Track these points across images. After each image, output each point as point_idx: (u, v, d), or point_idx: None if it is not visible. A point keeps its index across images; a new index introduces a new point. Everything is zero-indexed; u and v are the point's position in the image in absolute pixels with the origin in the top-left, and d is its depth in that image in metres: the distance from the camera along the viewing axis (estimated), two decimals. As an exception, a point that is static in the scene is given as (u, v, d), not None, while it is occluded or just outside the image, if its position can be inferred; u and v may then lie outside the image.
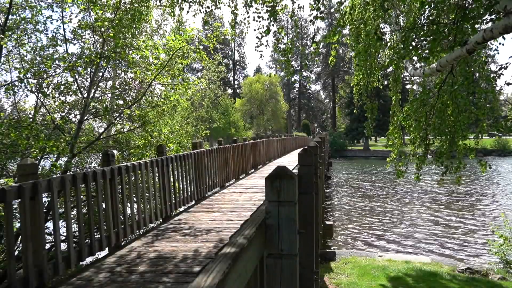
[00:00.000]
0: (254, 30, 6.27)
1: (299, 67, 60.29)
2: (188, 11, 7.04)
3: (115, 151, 8.81)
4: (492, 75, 6.43)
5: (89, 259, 4.60)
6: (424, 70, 6.06)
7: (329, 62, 7.88)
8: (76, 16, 10.08)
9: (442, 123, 6.65)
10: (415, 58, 6.54)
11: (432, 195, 17.66)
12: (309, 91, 73.69)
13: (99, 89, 9.08)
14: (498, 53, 7.51)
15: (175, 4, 7.05)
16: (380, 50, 8.28)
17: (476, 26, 4.84)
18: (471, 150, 6.76)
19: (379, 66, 8.05)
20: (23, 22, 7.86)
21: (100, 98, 9.02)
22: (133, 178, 5.30)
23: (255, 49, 6.40)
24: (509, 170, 27.79)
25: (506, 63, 5.74)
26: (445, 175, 6.95)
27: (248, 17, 6.49)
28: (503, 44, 6.65)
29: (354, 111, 9.68)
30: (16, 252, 4.93)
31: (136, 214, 5.23)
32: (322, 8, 5.63)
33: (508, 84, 5.92)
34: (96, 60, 7.25)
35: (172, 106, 9.90)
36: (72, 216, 4.53)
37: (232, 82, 71.87)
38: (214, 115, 28.95)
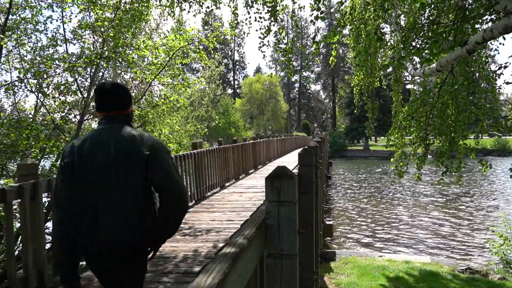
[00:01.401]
0: (256, 30, 6.28)
1: (299, 67, 60.29)
2: (188, 12, 7.04)
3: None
4: (492, 75, 6.43)
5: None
6: (424, 70, 6.07)
7: (329, 62, 7.88)
8: (76, 16, 10.10)
9: (442, 123, 6.65)
10: (415, 58, 6.55)
11: (432, 195, 17.67)
12: (309, 91, 73.67)
13: (99, 89, 9.07)
14: (499, 53, 7.52)
15: (175, 4, 7.05)
16: (381, 50, 8.28)
17: (477, 26, 4.84)
18: (471, 150, 6.76)
19: (379, 66, 8.06)
20: (23, 22, 7.87)
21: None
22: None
23: (259, 49, 6.40)
24: (508, 170, 27.77)
25: (506, 63, 5.75)
26: (445, 175, 6.95)
27: (250, 17, 6.49)
28: (503, 44, 6.66)
29: (355, 111, 9.70)
30: (16, 252, 4.93)
31: (136, 214, 5.22)
32: (323, 8, 5.63)
33: (507, 83, 5.92)
34: (96, 61, 7.25)
35: (172, 106, 9.90)
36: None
37: (232, 82, 71.86)
38: (213, 115, 28.89)
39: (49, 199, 5.28)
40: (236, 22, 6.60)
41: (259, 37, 6.24)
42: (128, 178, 1.79)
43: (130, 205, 1.78)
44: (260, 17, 6.22)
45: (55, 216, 1.88)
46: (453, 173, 7.03)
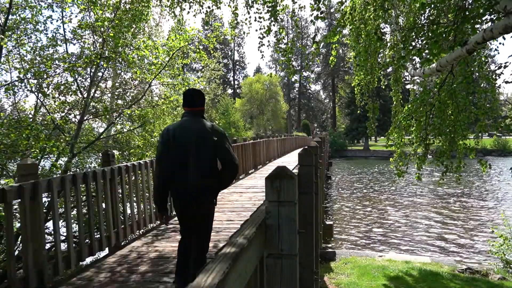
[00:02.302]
0: (256, 30, 6.27)
1: (299, 67, 60.25)
2: (188, 12, 7.04)
3: (115, 151, 8.81)
4: (491, 75, 6.42)
5: (89, 259, 4.60)
6: (424, 70, 6.07)
7: (329, 62, 7.87)
8: (76, 16, 10.09)
9: (442, 123, 6.64)
10: (415, 58, 6.54)
11: (432, 195, 17.67)
12: (309, 91, 73.63)
13: (99, 89, 9.08)
14: (498, 53, 7.50)
15: (175, 4, 7.05)
16: (381, 50, 8.28)
17: (477, 26, 4.84)
18: (471, 150, 6.76)
19: (379, 66, 8.05)
20: (23, 22, 7.86)
21: (100, 98, 9.02)
22: (133, 178, 5.30)
23: (258, 49, 6.40)
24: (508, 170, 27.76)
25: (506, 62, 5.74)
26: (444, 175, 6.94)
27: (250, 17, 6.49)
28: (503, 44, 6.65)
29: (358, 111, 9.69)
30: (16, 252, 4.93)
31: (136, 214, 5.23)
32: (323, 8, 5.62)
33: (507, 82, 5.91)
34: (96, 61, 7.24)
35: (172, 106, 9.90)
36: (72, 216, 4.53)
37: (232, 82, 71.83)
38: (213, 114, 28.74)
39: (49, 199, 5.29)
40: (236, 22, 6.60)
41: (259, 37, 6.23)
42: (202, 152, 2.98)
43: (203, 166, 2.99)
44: (260, 17, 6.21)
45: (156, 172, 3.19)
46: (453, 174, 7.02)
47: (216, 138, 3.01)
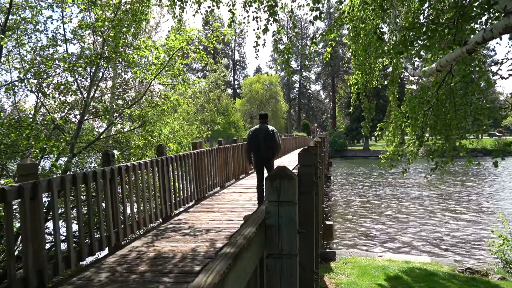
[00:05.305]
0: (254, 30, 6.25)
1: (299, 67, 60.20)
2: (184, 10, 7.00)
3: (115, 151, 8.80)
4: (488, 70, 6.42)
5: (89, 259, 4.60)
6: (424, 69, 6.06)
7: (323, 57, 7.85)
8: (76, 16, 10.05)
9: (438, 122, 6.67)
10: (415, 58, 6.54)
11: (432, 196, 17.67)
12: (309, 91, 73.60)
13: (99, 89, 9.07)
14: (496, 53, 7.50)
15: (175, 5, 7.02)
16: (379, 50, 8.28)
17: (476, 26, 4.84)
18: (463, 148, 6.83)
19: (378, 62, 8.06)
20: (23, 22, 7.84)
21: (100, 98, 9.02)
22: (133, 178, 5.30)
23: (254, 48, 6.37)
24: (509, 170, 27.78)
25: (503, 59, 5.72)
26: (433, 171, 7.02)
27: (248, 16, 6.47)
28: (499, 44, 6.65)
29: (351, 110, 9.71)
30: (16, 252, 4.93)
31: (136, 214, 5.23)
32: (322, 8, 5.62)
33: (503, 78, 5.89)
34: (96, 61, 7.24)
35: (172, 106, 9.89)
36: (72, 216, 4.53)
37: (232, 82, 71.80)
38: (216, 118, 28.50)
39: (49, 199, 5.29)
40: (232, 20, 6.57)
41: (257, 36, 6.22)
42: (266, 140, 6.68)
43: (267, 146, 6.69)
44: (257, 17, 6.19)
45: (246, 148, 7.05)
46: (450, 174, 7.05)
47: (272, 134, 6.58)
